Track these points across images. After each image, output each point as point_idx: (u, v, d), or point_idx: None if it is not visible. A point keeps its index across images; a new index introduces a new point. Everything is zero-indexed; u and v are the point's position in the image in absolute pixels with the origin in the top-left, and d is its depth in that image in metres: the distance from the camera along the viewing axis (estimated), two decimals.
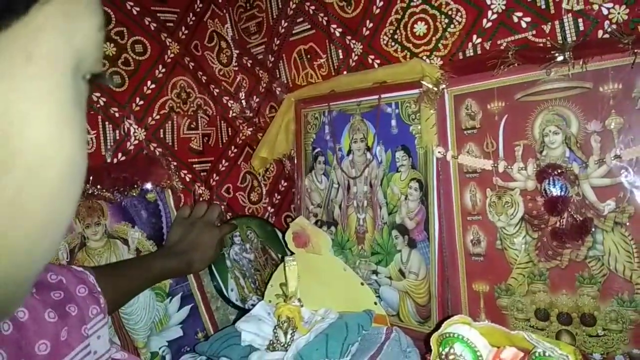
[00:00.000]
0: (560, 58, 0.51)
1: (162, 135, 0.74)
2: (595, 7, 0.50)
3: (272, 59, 0.83)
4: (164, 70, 0.74)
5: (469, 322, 0.41)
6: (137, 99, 0.71)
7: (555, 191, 0.53)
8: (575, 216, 0.52)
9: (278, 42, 0.81)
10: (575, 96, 0.52)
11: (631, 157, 0.49)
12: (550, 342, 0.39)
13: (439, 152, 0.62)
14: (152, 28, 0.72)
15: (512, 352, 0.38)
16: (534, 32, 0.54)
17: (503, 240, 0.58)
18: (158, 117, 0.74)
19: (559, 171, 0.52)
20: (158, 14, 0.73)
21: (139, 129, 0.72)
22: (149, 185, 0.73)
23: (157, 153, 0.74)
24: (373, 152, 0.71)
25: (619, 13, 0.49)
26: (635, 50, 0.47)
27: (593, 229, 0.51)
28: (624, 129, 0.49)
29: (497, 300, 0.59)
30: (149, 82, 0.72)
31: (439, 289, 0.64)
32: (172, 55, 0.75)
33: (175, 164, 0.76)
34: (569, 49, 0.50)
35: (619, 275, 0.50)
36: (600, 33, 0.50)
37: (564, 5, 0.52)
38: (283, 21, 0.79)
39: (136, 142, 0.72)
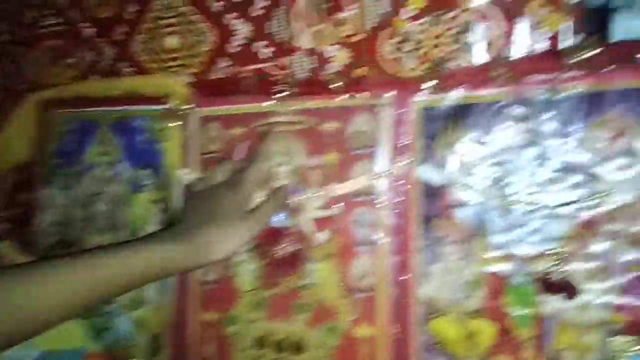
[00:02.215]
0: (287, 93, 0.52)
1: None
2: (323, 47, 0.53)
3: (16, 52, 0.71)
4: None
5: None
6: None
7: (275, 220, 0.54)
8: (292, 246, 0.54)
9: (23, 34, 0.70)
10: (300, 130, 0.54)
11: (343, 192, 0.52)
12: None
13: (182, 173, 0.59)
14: None
15: None
16: (273, 64, 0.55)
17: (233, 267, 0.57)
18: None
19: None
20: None
21: None
22: None
23: None
24: (118, 168, 0.65)
25: (343, 56, 0.53)
26: (350, 94, 0.51)
27: (308, 259, 0.53)
28: (339, 165, 0.53)
29: (224, 328, 0.57)
30: None
31: (174, 317, 0.60)
32: None
33: None
34: (295, 84, 0.53)
35: (326, 303, 0.53)
36: (327, 73, 0.54)
37: (300, 42, 0.54)
38: (28, 11, 0.69)
39: None
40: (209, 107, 0.58)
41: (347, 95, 0.51)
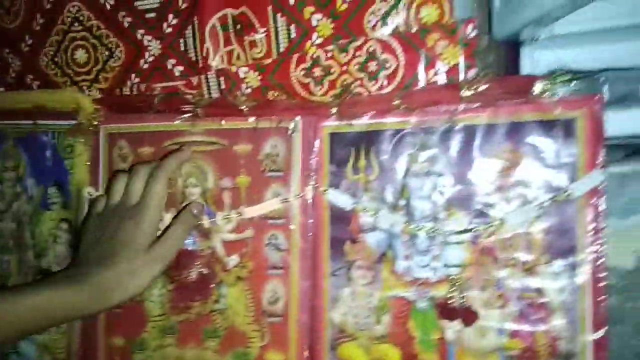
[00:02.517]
0: (197, 112, 0.51)
1: None
2: (234, 69, 0.52)
3: None
4: None
5: None
6: None
7: (186, 243, 0.52)
8: (203, 270, 0.52)
9: None
10: (213, 151, 0.53)
11: (254, 215, 0.51)
12: None
13: (88, 192, 0.57)
14: None
15: None
16: (184, 82, 0.54)
17: (146, 291, 0.55)
18: None
19: None
20: None
21: None
22: None
23: None
24: (24, 185, 0.61)
25: (253, 78, 0.52)
26: (261, 116, 0.50)
27: (219, 283, 0.52)
28: (250, 188, 0.52)
29: (132, 355, 0.55)
30: None
31: (80, 343, 0.58)
32: None
33: None
34: (206, 104, 0.51)
35: (237, 328, 0.52)
36: (238, 94, 0.52)
37: (209, 62, 0.53)
38: None
39: None
40: (117, 124, 0.56)
41: (256, 118, 0.50)
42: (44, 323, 0.42)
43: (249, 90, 0.52)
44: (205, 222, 0.52)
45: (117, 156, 0.56)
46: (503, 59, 0.50)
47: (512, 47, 0.48)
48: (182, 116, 0.51)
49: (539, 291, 0.43)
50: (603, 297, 0.42)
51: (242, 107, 0.49)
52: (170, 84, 0.54)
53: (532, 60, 0.47)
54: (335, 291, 0.49)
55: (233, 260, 0.52)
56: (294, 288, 0.50)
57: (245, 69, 0.52)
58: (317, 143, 0.49)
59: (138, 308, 0.54)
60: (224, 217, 0.52)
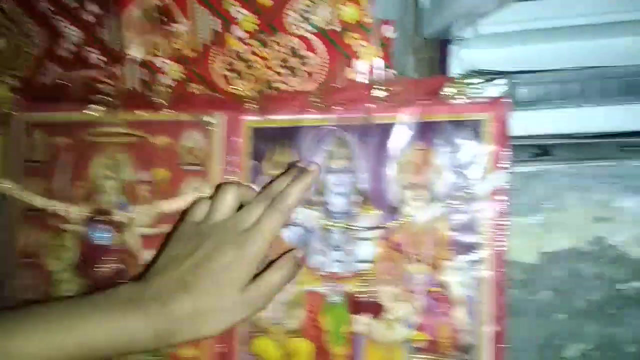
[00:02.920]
0: (115, 103, 0.50)
1: None
2: (156, 59, 0.51)
3: None
4: None
5: None
6: None
7: (98, 237, 0.51)
8: (116, 265, 0.51)
9: None
10: (130, 143, 0.52)
11: (171, 209, 0.50)
12: None
13: (3, 184, 0.54)
14: None
15: None
16: (103, 72, 0.53)
17: (56, 287, 0.53)
18: None
19: (106, 218, 0.51)
20: None
21: None
22: None
23: None
24: None
25: (174, 70, 0.51)
26: (181, 109, 0.50)
27: (133, 279, 0.51)
28: (168, 181, 0.51)
29: None
30: None
31: None
32: None
33: None
34: (125, 95, 0.50)
35: None
36: (157, 86, 0.52)
37: (130, 52, 0.52)
38: None
39: None
40: (33, 113, 0.54)
41: (175, 111, 0.49)
42: (85, 357, 0.33)
43: (171, 81, 0.51)
44: (120, 216, 0.51)
45: (32, 145, 0.54)
46: (435, 57, 0.52)
47: (443, 45, 0.50)
48: (99, 107, 0.50)
49: (444, 285, 0.45)
50: (504, 291, 0.44)
51: (161, 100, 0.48)
52: (88, 73, 0.53)
53: (459, 59, 0.49)
54: None
55: (148, 255, 0.51)
56: None
57: (166, 60, 0.51)
58: (237, 137, 0.49)
59: None
60: (140, 210, 0.51)
